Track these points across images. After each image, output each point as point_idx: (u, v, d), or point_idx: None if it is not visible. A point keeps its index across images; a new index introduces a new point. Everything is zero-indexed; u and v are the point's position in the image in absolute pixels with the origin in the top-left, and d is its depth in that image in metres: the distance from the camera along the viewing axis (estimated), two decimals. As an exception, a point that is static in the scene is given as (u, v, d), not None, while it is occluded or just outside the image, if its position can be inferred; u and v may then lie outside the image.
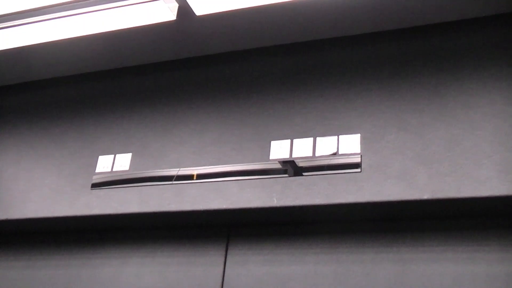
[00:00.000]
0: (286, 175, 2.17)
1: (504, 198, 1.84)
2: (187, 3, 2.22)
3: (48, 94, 2.94)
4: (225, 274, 2.28)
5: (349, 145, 2.14)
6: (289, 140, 2.26)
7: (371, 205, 2.02)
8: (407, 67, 2.22)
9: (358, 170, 2.06)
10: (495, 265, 1.92)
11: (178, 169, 2.37)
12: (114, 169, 2.51)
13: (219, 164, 2.32)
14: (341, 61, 2.36)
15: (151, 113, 2.60)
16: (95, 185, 2.49)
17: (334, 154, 2.14)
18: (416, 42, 2.27)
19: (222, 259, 2.32)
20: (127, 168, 2.49)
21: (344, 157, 2.12)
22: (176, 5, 2.29)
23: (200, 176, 2.31)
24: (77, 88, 2.88)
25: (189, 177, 2.32)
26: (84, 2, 2.28)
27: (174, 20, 2.30)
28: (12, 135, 2.89)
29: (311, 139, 2.22)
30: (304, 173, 2.14)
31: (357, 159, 2.09)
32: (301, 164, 2.17)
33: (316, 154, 2.17)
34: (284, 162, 2.21)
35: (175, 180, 2.34)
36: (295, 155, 2.21)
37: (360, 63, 2.32)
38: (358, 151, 2.11)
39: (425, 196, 1.93)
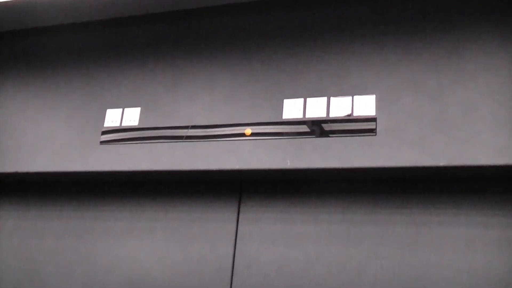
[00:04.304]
0: (300, 136, 2.15)
1: (522, 167, 1.85)
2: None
3: (55, 41, 2.84)
4: (238, 230, 2.31)
5: (364, 106, 2.10)
6: (302, 99, 2.21)
7: (386, 170, 2.01)
8: (425, 24, 2.14)
9: (373, 134, 2.04)
10: (507, 229, 1.95)
11: (189, 126, 2.34)
12: (123, 124, 2.48)
13: (231, 122, 2.29)
14: (357, 17, 2.27)
15: (161, 65, 2.53)
16: (104, 141, 2.47)
17: (349, 115, 2.11)
18: (435, -3, 2.18)
19: (235, 216, 2.34)
20: (136, 123, 2.46)
21: (359, 119, 2.09)
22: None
23: (213, 136, 2.29)
24: (85, 36, 2.78)
25: (206, 135, 2.30)
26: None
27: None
28: (17, 83, 2.82)
29: (325, 98, 2.18)
30: (317, 135, 2.12)
31: (372, 122, 2.06)
32: (314, 125, 2.14)
33: (330, 115, 2.14)
34: (298, 123, 2.18)
35: (186, 138, 2.32)
36: (308, 115, 2.17)
37: (376, 19, 2.24)
38: (373, 113, 2.08)
39: (441, 163, 1.92)
